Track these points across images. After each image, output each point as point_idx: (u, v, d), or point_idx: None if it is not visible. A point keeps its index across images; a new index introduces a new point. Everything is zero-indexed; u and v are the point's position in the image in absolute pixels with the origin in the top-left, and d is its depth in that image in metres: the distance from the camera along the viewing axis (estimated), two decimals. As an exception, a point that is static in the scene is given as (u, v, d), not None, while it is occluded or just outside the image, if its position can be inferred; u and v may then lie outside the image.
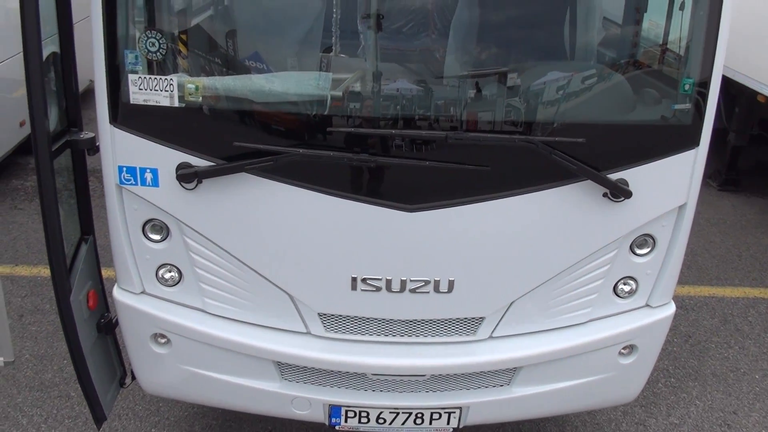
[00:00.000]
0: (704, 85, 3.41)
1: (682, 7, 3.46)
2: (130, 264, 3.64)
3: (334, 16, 3.84)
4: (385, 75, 3.53)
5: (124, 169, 3.42)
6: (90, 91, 3.44)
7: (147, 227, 3.58)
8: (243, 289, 3.64)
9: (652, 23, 3.88)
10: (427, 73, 3.65)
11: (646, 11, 3.95)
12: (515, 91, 3.53)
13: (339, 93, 3.38)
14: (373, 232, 3.45)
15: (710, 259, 7.27)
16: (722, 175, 9.04)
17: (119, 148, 3.39)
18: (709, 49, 3.37)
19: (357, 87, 3.49)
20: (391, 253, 3.51)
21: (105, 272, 4.03)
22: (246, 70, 3.55)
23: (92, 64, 3.27)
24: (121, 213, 3.54)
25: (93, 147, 3.61)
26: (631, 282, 3.80)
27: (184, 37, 3.54)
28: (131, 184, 3.44)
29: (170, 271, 3.67)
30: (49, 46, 3.44)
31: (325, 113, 3.36)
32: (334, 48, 3.73)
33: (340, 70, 3.57)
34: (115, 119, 3.34)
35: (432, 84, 3.58)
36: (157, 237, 3.60)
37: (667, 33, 3.67)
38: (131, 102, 3.29)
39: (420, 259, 3.52)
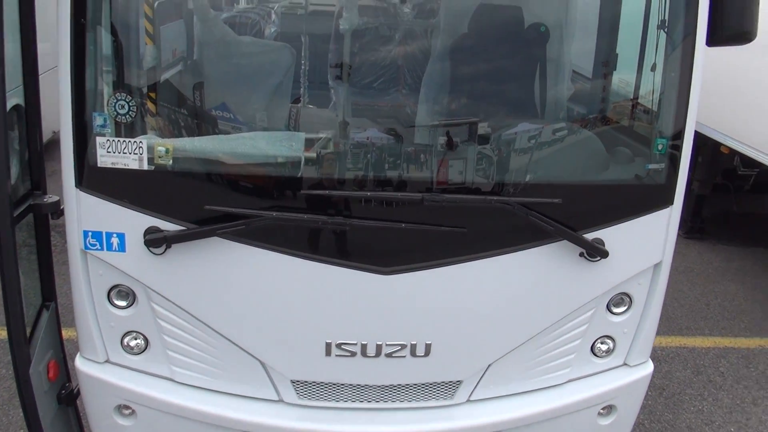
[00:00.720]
0: (677, 145, 3.44)
1: (653, 69, 3.50)
2: (94, 332, 3.49)
3: (303, 68, 3.84)
4: (357, 135, 3.50)
5: (90, 233, 3.30)
6: (55, 142, 3.33)
7: (112, 293, 3.44)
8: (213, 357, 3.51)
9: (623, 82, 3.93)
10: (401, 131, 3.62)
11: (616, 69, 4.01)
12: (490, 152, 3.51)
13: (312, 154, 3.33)
14: (349, 295, 3.36)
15: (679, 308, 7.30)
16: (688, 223, 9.18)
17: (85, 213, 3.27)
18: (682, 109, 3.40)
19: (330, 147, 3.45)
20: (366, 317, 3.42)
21: (67, 332, 3.86)
22: (216, 125, 3.50)
23: (56, 115, 3.17)
24: (86, 279, 3.40)
25: (57, 211, 3.48)
26: (609, 341, 3.76)
27: (153, 95, 3.47)
28: (97, 249, 3.32)
29: (136, 339, 3.52)
30: (13, 98, 3.33)
31: (299, 175, 3.30)
32: (302, 101, 3.70)
33: (311, 127, 3.54)
34: (81, 183, 3.24)
35: (406, 143, 3.55)
36: (122, 303, 3.46)
37: (639, 93, 3.71)
38: (98, 165, 3.19)
39: (396, 322, 3.44)
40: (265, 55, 4.16)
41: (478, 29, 4.04)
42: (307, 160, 3.31)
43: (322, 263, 3.28)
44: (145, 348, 3.53)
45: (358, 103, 3.82)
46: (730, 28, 3.33)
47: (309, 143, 3.38)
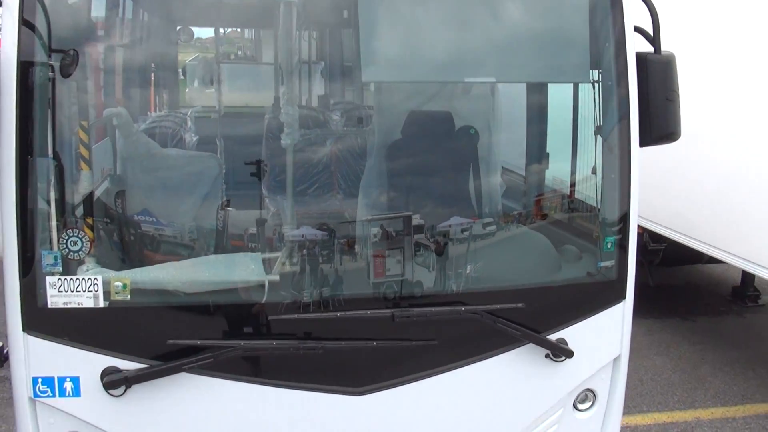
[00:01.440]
0: (624, 241, 3.60)
1: (594, 171, 3.68)
2: (45, 488, 3.20)
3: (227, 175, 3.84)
4: (311, 250, 3.48)
5: (39, 380, 3.07)
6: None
7: None
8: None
9: (561, 181, 4.13)
10: (357, 245, 3.62)
11: (548, 168, 4.22)
12: (447, 261, 3.56)
13: (275, 277, 3.26)
14: (322, 419, 3.25)
15: (615, 386, 7.45)
16: (607, 299, 9.49)
17: (34, 358, 3.05)
18: (625, 207, 3.58)
19: (289, 267, 3.40)
20: (341, 440, 3.31)
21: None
22: (164, 245, 3.40)
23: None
24: (35, 429, 3.14)
25: (1, 357, 3.23)
26: (577, 438, 3.79)
27: (102, 223, 3.36)
28: (48, 397, 3.09)
29: None
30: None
31: (263, 300, 3.21)
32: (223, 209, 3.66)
33: (267, 246, 3.49)
34: (28, 326, 3.03)
35: (360, 256, 3.55)
36: None
37: (578, 192, 3.89)
38: (49, 306, 3.01)
39: None
40: (194, 166, 4.14)
41: (411, 134, 4.18)
42: (270, 283, 3.24)
43: (294, 389, 3.19)
44: None
45: (306, 212, 3.82)
46: (658, 130, 3.58)
47: (267, 263, 3.33)
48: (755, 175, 6.37)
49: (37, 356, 3.05)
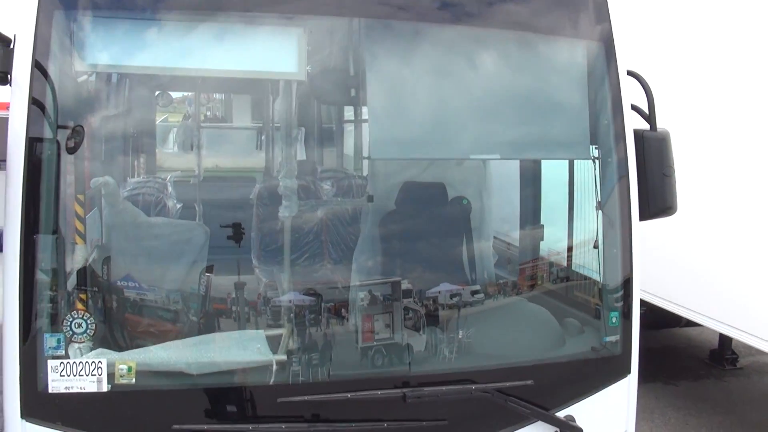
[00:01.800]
0: (628, 316, 3.62)
1: (596, 245, 3.72)
2: None
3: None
4: (316, 329, 3.45)
5: (37, 473, 2.94)
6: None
7: None
8: None
9: (561, 255, 4.16)
10: (355, 323, 3.59)
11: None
12: (452, 337, 3.55)
13: (282, 356, 3.20)
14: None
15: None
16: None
17: (32, 446, 2.93)
18: (629, 282, 3.61)
19: (295, 344, 3.35)
20: None
21: None
22: (165, 322, 3.34)
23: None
24: None
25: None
26: None
27: (105, 302, 3.30)
28: (44, 487, 2.95)
29: None
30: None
31: (271, 382, 3.14)
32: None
33: (268, 321, 3.45)
34: (27, 413, 2.91)
35: (366, 337, 3.51)
36: None
37: (581, 267, 3.92)
38: (49, 392, 2.89)
39: None
40: (182, 234, 4.12)
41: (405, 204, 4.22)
42: (278, 363, 3.18)
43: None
44: None
45: (301, 283, 3.81)
46: (656, 205, 3.65)
47: (273, 341, 3.27)
48: (728, 241, 6.50)
49: (36, 445, 2.93)
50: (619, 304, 3.64)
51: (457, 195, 4.41)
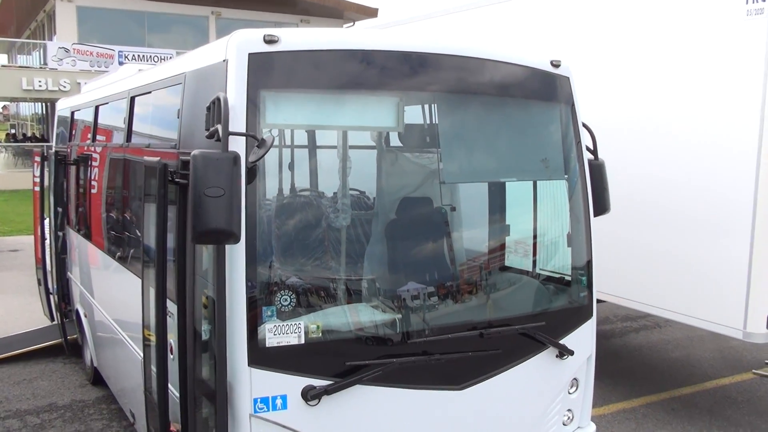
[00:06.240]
0: (590, 279, 5.64)
1: (569, 236, 5.70)
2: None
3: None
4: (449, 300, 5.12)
5: (259, 400, 4.30)
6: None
7: None
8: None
9: (550, 245, 6.10)
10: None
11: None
12: (497, 300, 5.39)
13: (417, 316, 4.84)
14: (442, 407, 4.84)
15: None
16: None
17: (255, 384, 4.29)
18: (590, 258, 5.63)
19: (423, 309, 4.95)
20: (444, 428, 4.89)
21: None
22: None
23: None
24: (250, 441, 4.33)
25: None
26: (569, 413, 5.67)
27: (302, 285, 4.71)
28: (264, 412, 4.32)
29: None
30: None
31: (405, 330, 4.76)
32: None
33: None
34: (253, 361, 4.28)
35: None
36: None
37: (563, 253, 5.87)
38: (266, 346, 4.30)
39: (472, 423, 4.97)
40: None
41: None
42: (410, 319, 4.80)
43: (422, 389, 4.74)
44: None
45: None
46: (599, 208, 5.72)
47: (405, 304, 4.88)
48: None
49: (258, 383, 4.30)
50: (585, 273, 5.64)
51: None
